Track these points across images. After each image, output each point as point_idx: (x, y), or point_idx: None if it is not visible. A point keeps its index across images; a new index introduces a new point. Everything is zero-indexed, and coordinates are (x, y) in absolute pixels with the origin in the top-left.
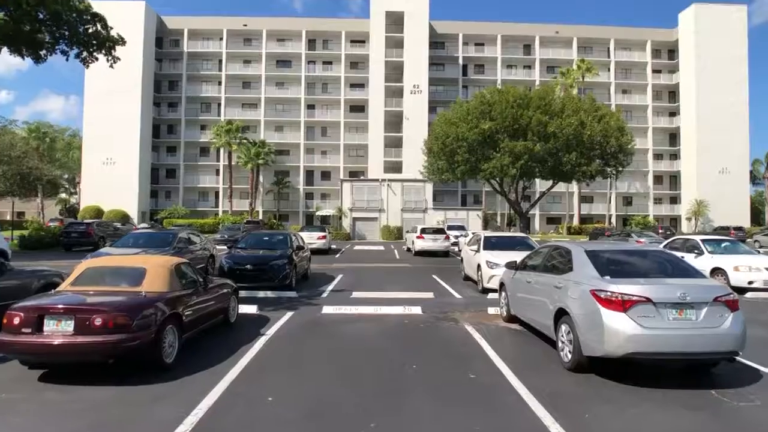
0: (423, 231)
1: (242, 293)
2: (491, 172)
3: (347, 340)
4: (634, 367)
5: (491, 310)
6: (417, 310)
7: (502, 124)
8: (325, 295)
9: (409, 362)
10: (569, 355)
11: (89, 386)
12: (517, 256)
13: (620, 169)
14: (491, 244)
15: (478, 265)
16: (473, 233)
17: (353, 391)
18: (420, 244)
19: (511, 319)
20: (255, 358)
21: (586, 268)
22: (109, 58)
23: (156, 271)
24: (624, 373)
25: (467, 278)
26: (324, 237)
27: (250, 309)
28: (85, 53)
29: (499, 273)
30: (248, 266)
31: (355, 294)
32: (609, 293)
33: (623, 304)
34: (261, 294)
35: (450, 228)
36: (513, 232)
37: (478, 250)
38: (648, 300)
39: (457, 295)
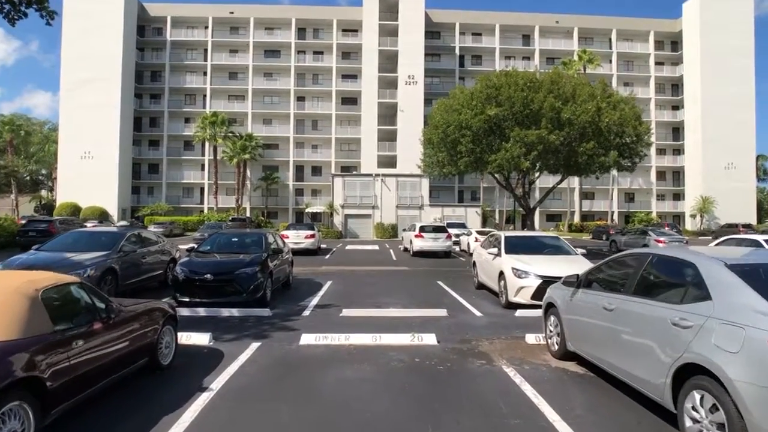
0: (422, 229)
1: (200, 311)
2: (500, 165)
3: (331, 403)
4: None
5: (530, 338)
6: (430, 338)
7: (511, 110)
8: (307, 312)
9: None
10: None
11: None
12: (550, 262)
13: (636, 161)
14: (514, 247)
15: (500, 273)
16: (477, 231)
17: None
18: (419, 244)
19: (567, 355)
20: None
21: (740, 295)
22: (44, 14)
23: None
24: None
25: (481, 286)
26: (313, 236)
27: (200, 339)
28: (7, 5)
29: (530, 284)
30: (208, 275)
31: (346, 312)
32: None
33: None
34: (224, 312)
35: (449, 226)
36: (531, 232)
37: (498, 254)
38: None
39: (476, 312)
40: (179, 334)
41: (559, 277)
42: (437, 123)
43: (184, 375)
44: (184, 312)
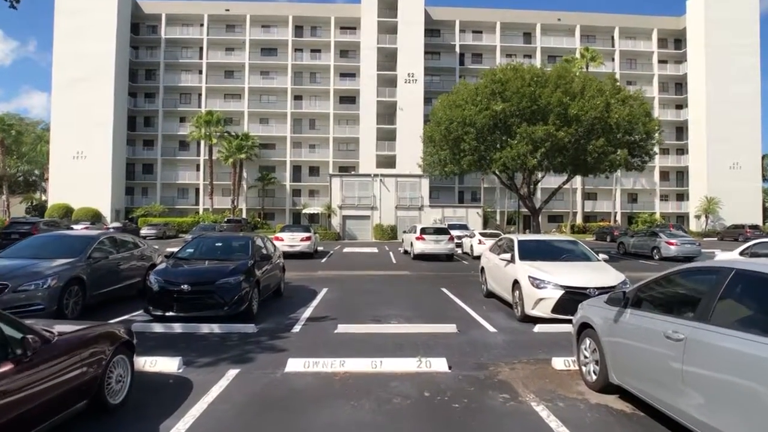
0: (423, 231)
1: (176, 327)
2: (505, 163)
3: None
4: None
5: (558, 363)
6: (439, 363)
7: (518, 106)
8: (297, 328)
9: None
10: None
11: None
12: (571, 269)
13: (646, 159)
14: (529, 252)
15: (515, 283)
16: (481, 233)
17: None
18: (420, 247)
19: (608, 387)
20: None
21: None
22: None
23: None
24: None
25: (491, 295)
26: (309, 238)
27: (168, 365)
28: None
29: (551, 295)
30: (185, 286)
31: (341, 328)
32: None
33: None
34: (204, 328)
35: (450, 227)
36: (547, 235)
37: (511, 260)
38: None
39: (489, 327)
40: (143, 359)
41: (584, 288)
42: (439, 119)
43: (138, 418)
44: (157, 328)
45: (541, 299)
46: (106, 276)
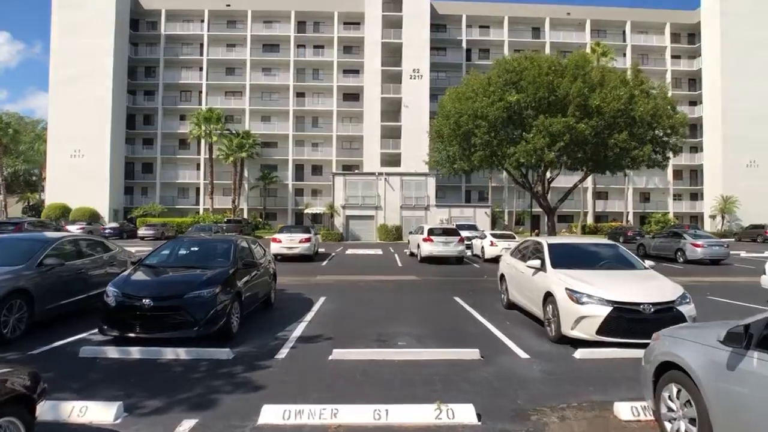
0: (431, 232)
1: (133, 353)
2: (519, 159)
3: None
4: None
5: (622, 411)
6: (465, 412)
7: (534, 96)
8: (282, 353)
9: None
10: None
11: None
12: (617, 280)
13: (669, 156)
14: (563, 258)
15: (547, 296)
16: (492, 234)
17: None
18: (427, 249)
19: None
20: None
21: None
22: None
23: None
24: None
25: (512, 306)
26: (308, 240)
27: (101, 413)
28: None
29: (596, 312)
30: (147, 301)
31: (338, 353)
32: None
33: None
34: (168, 353)
35: (459, 228)
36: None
37: (541, 268)
38: None
39: (519, 351)
40: (70, 406)
41: (637, 304)
42: (448, 113)
43: None
44: (110, 353)
45: (582, 317)
46: (63, 286)
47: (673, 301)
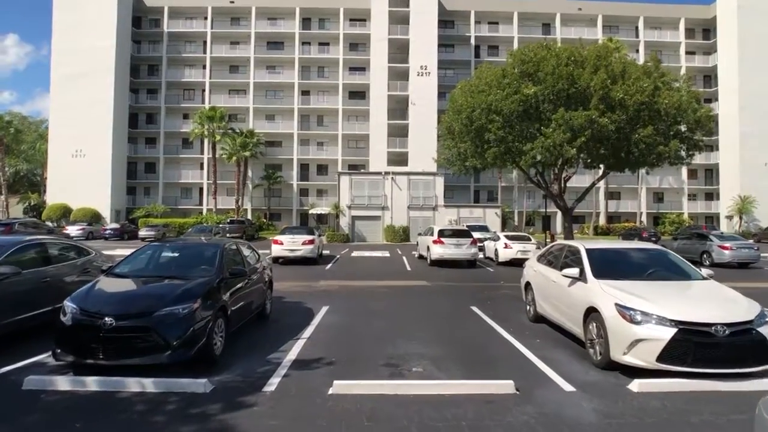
0: (441, 234)
1: (91, 384)
2: (535, 156)
3: None
4: None
5: None
6: None
7: (553, 89)
8: (272, 385)
9: None
10: None
11: None
12: (677, 293)
13: (693, 153)
14: (606, 266)
15: (589, 312)
16: (506, 235)
17: None
18: (438, 251)
19: None
20: None
21: None
22: None
23: None
24: None
25: (540, 318)
26: (311, 242)
27: None
28: None
29: (656, 335)
30: (108, 319)
31: (339, 386)
32: None
33: None
34: (131, 386)
35: (470, 229)
36: (621, 242)
37: (580, 278)
38: None
39: (561, 382)
40: None
41: (708, 324)
42: (460, 107)
43: None
44: (61, 384)
45: (638, 340)
46: (21, 298)
47: (751, 321)
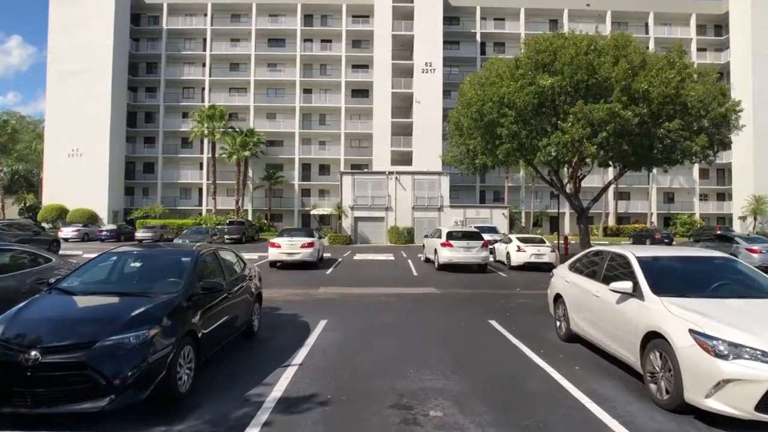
0: (450, 236)
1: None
2: (551, 152)
3: None
4: None
5: None
6: None
7: (571, 80)
8: None
9: None
10: None
11: None
12: (763, 315)
13: (717, 149)
14: (665, 279)
15: (649, 337)
16: (518, 238)
17: None
18: (446, 255)
19: None
20: None
21: None
22: None
23: None
24: None
25: (573, 338)
26: (311, 245)
27: None
28: None
29: (753, 375)
30: (34, 353)
31: None
32: None
33: None
34: None
35: (478, 230)
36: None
37: (633, 293)
38: None
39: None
40: None
41: None
42: (469, 100)
43: None
44: None
45: (728, 381)
46: None
47: None
